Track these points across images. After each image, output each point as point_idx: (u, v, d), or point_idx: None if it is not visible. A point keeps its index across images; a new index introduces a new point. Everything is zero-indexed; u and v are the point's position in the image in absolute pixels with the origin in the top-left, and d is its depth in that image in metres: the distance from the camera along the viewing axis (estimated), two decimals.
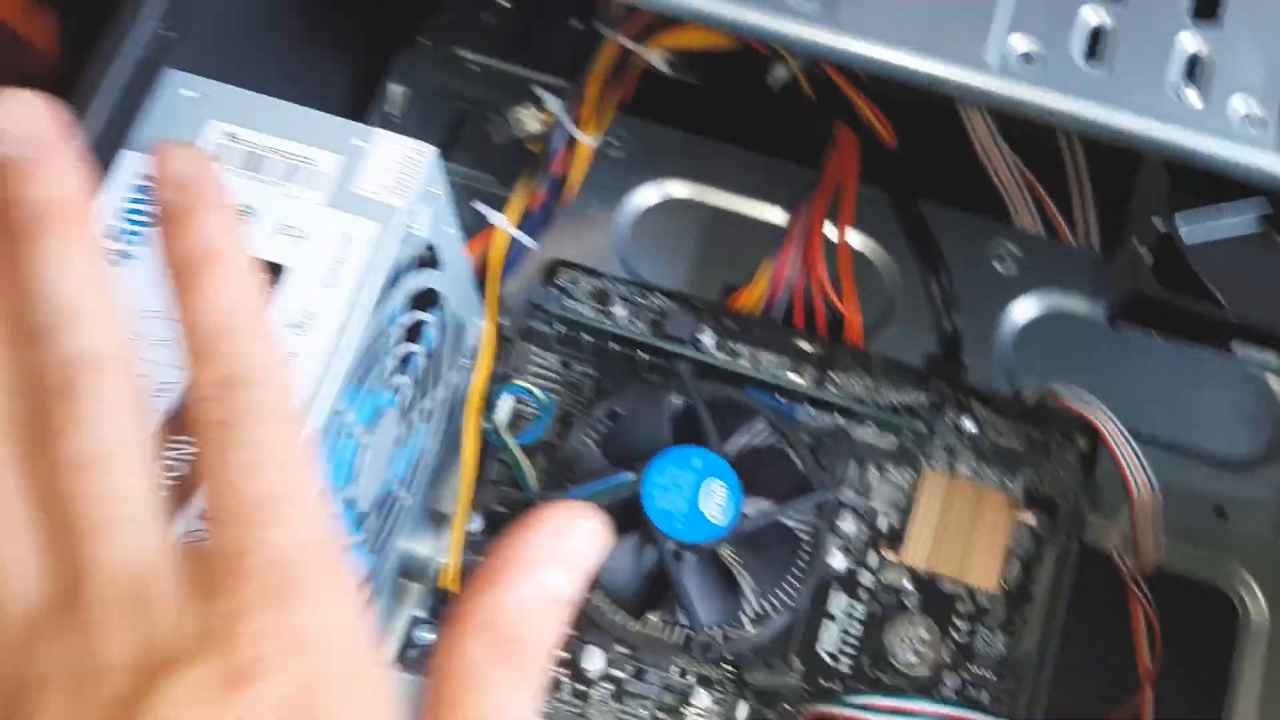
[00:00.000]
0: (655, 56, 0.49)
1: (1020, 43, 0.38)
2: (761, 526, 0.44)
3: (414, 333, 0.41)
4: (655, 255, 0.54)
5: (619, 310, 0.51)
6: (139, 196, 0.35)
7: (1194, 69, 0.38)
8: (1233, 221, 0.37)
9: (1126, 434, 0.46)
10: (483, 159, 0.54)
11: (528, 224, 0.50)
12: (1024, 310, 0.53)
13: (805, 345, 0.50)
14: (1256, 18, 0.38)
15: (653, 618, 0.45)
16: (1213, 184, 0.37)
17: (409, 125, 0.55)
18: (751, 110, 0.53)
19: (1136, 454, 0.46)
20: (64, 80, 0.54)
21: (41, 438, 0.22)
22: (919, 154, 0.53)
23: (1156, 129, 0.37)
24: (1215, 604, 0.51)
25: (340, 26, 0.53)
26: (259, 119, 0.37)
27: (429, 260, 0.40)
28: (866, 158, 0.51)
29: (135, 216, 0.35)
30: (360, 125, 0.37)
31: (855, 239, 0.53)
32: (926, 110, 0.53)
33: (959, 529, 0.48)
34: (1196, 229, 0.37)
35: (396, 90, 0.56)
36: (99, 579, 0.22)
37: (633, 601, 0.44)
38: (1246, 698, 0.49)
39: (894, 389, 0.49)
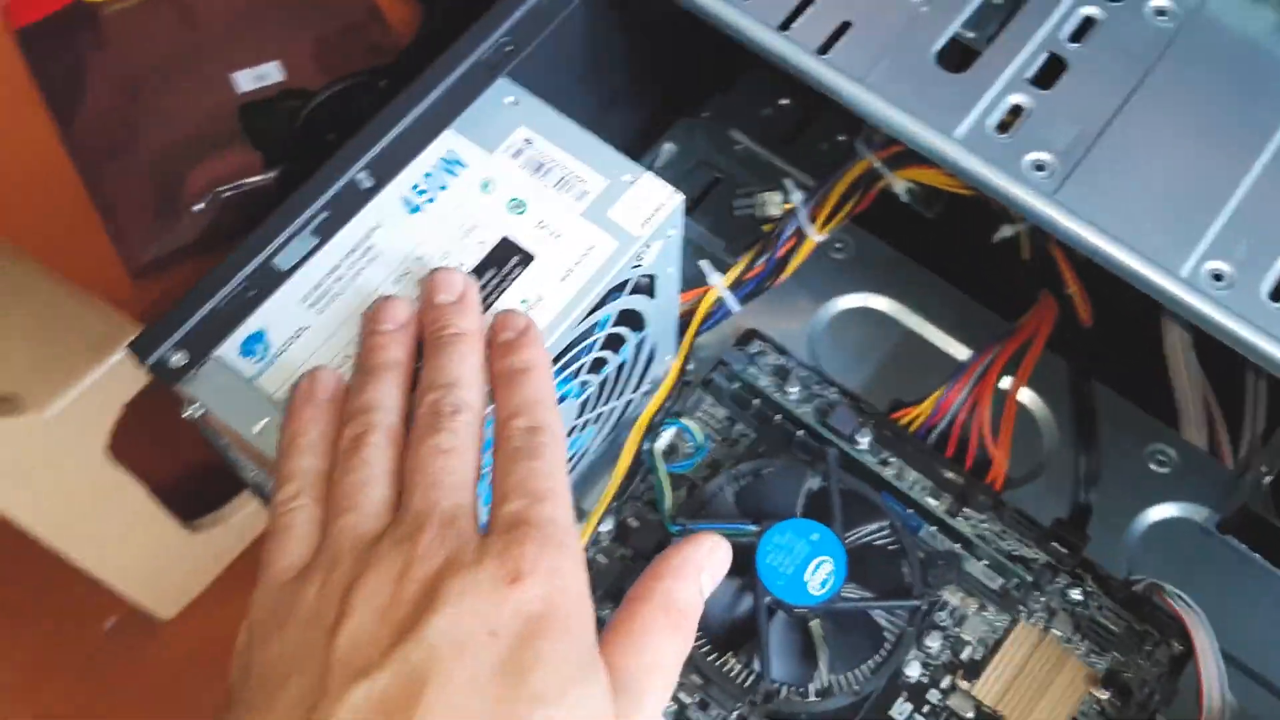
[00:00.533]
0: (899, 184, 0.55)
1: (1217, 263, 0.42)
2: (852, 611, 0.48)
3: (614, 345, 0.47)
4: (841, 353, 0.59)
5: (793, 389, 0.56)
6: (440, 168, 0.43)
7: None
8: None
9: (1218, 651, 0.48)
10: (718, 225, 0.61)
11: (738, 290, 0.56)
12: (1162, 511, 0.55)
13: (951, 475, 0.54)
14: None
15: (732, 659, 0.49)
16: None
17: (665, 179, 0.62)
18: (969, 253, 0.58)
19: (1221, 672, 0.48)
20: (403, 60, 0.64)
21: (416, 440, 0.35)
22: (1112, 339, 0.57)
23: None
24: None
25: (644, 85, 0.60)
26: (555, 134, 0.44)
27: (645, 288, 0.46)
28: (1060, 325, 0.55)
29: (432, 183, 0.43)
30: (632, 162, 0.44)
31: (1026, 395, 0.57)
32: (1131, 301, 0.56)
33: (1034, 683, 0.51)
34: None
35: (669, 148, 0.64)
36: (431, 515, 0.33)
37: (720, 638, 0.49)
38: None
39: (1018, 539, 0.53)
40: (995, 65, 0.45)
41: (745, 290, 0.56)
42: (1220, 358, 0.56)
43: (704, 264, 0.56)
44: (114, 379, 0.89)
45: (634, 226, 0.42)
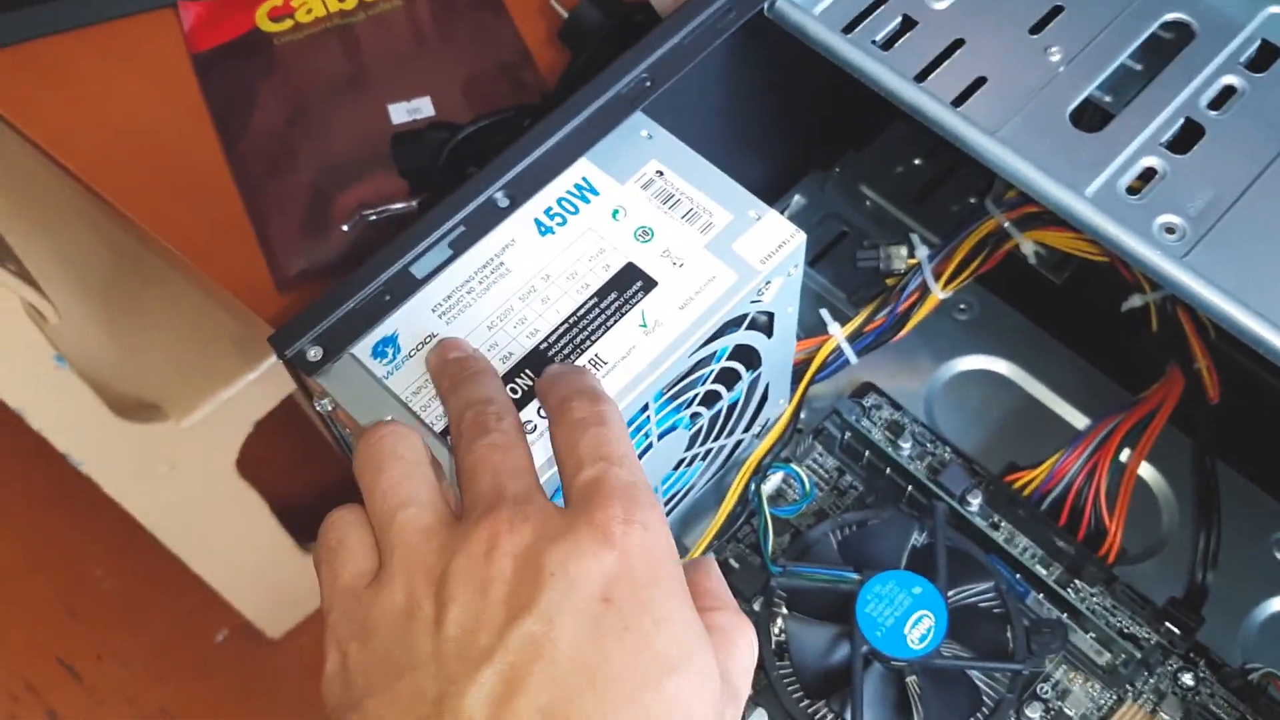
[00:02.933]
0: (1027, 245, 0.55)
1: None
2: (951, 669, 0.47)
3: (728, 380, 0.48)
4: (957, 414, 0.59)
5: (905, 445, 0.56)
6: (574, 193, 0.45)
7: None
8: None
9: None
10: (841, 277, 0.61)
11: (857, 342, 0.56)
12: None
13: (1063, 544, 0.53)
14: None
15: (824, 707, 0.49)
16: None
17: None
18: (1096, 322, 0.57)
19: None
20: (547, 101, 0.67)
21: (468, 441, 0.35)
22: (1243, 419, 0.55)
23: None
24: None
25: (781, 133, 0.61)
26: (686, 168, 0.45)
27: (763, 325, 0.47)
28: (1185, 401, 0.54)
29: (566, 207, 0.44)
30: (758, 200, 0.45)
31: (1147, 471, 0.56)
32: (1264, 381, 0.55)
33: None
34: None
35: (799, 199, 0.65)
36: (503, 495, 0.33)
37: (811, 684, 0.48)
38: None
39: (1129, 616, 0.51)
40: (1130, 128, 0.45)
41: (864, 342, 0.57)
42: None
43: (824, 312, 0.56)
44: (250, 395, 0.93)
45: (755, 261, 0.43)
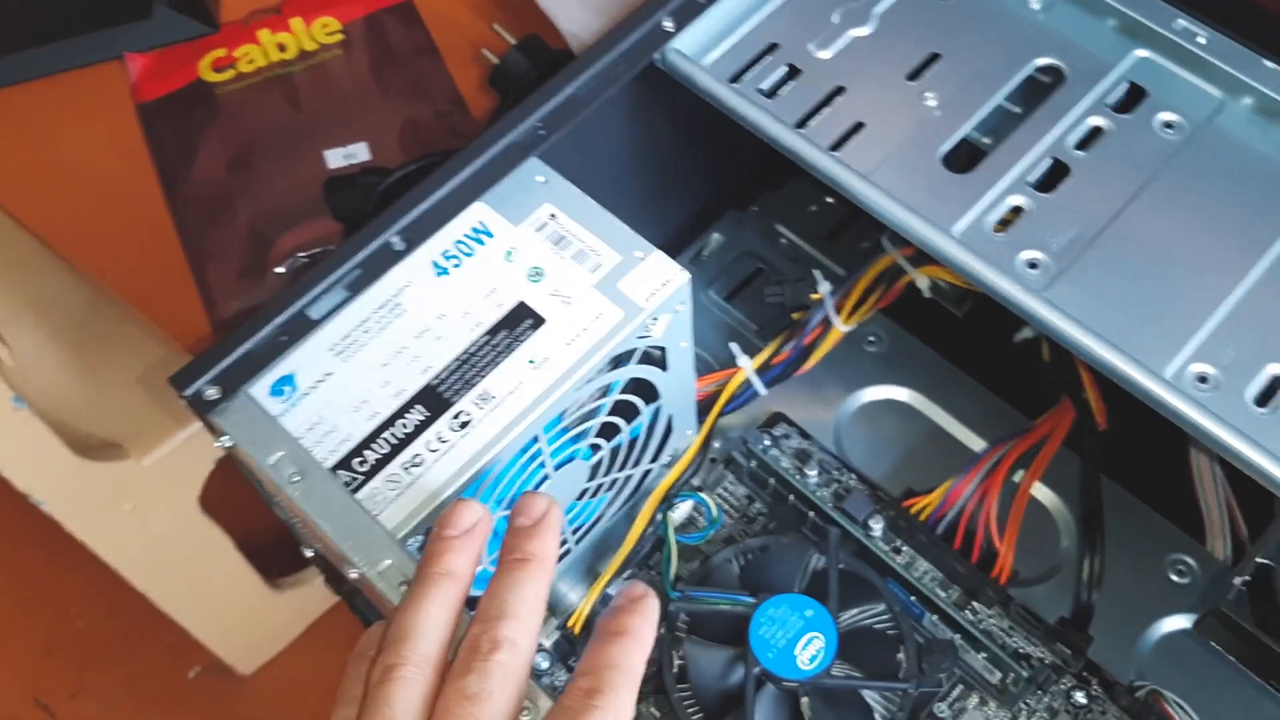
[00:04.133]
0: (922, 280, 0.57)
1: (1201, 366, 0.42)
2: (841, 689, 0.49)
3: (627, 413, 0.50)
4: (865, 443, 0.61)
5: (812, 473, 0.58)
6: (470, 236, 0.47)
7: None
8: None
9: None
10: (755, 312, 0.64)
11: (765, 374, 0.58)
12: (1177, 622, 0.55)
13: (961, 569, 0.54)
14: None
15: None
16: None
17: (711, 267, 0.66)
18: (996, 352, 0.59)
19: None
20: None
21: (449, 678, 0.35)
22: (1139, 446, 0.57)
23: None
24: None
25: (695, 177, 0.64)
26: (578, 212, 0.47)
27: (658, 360, 0.49)
28: (1078, 428, 0.56)
29: (462, 249, 0.47)
30: (645, 241, 0.47)
31: (1048, 496, 0.58)
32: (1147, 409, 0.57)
33: None
34: None
35: (717, 238, 0.67)
36: None
37: (710, 706, 0.50)
38: None
39: (1024, 637, 0.53)
40: (999, 168, 0.47)
41: (772, 374, 0.59)
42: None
43: (734, 346, 0.58)
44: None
45: (640, 299, 0.45)
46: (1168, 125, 0.48)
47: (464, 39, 0.75)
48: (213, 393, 0.43)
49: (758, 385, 0.58)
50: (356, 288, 0.45)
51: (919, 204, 0.46)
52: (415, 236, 0.46)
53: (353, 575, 0.40)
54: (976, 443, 0.59)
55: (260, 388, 0.44)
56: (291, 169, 0.71)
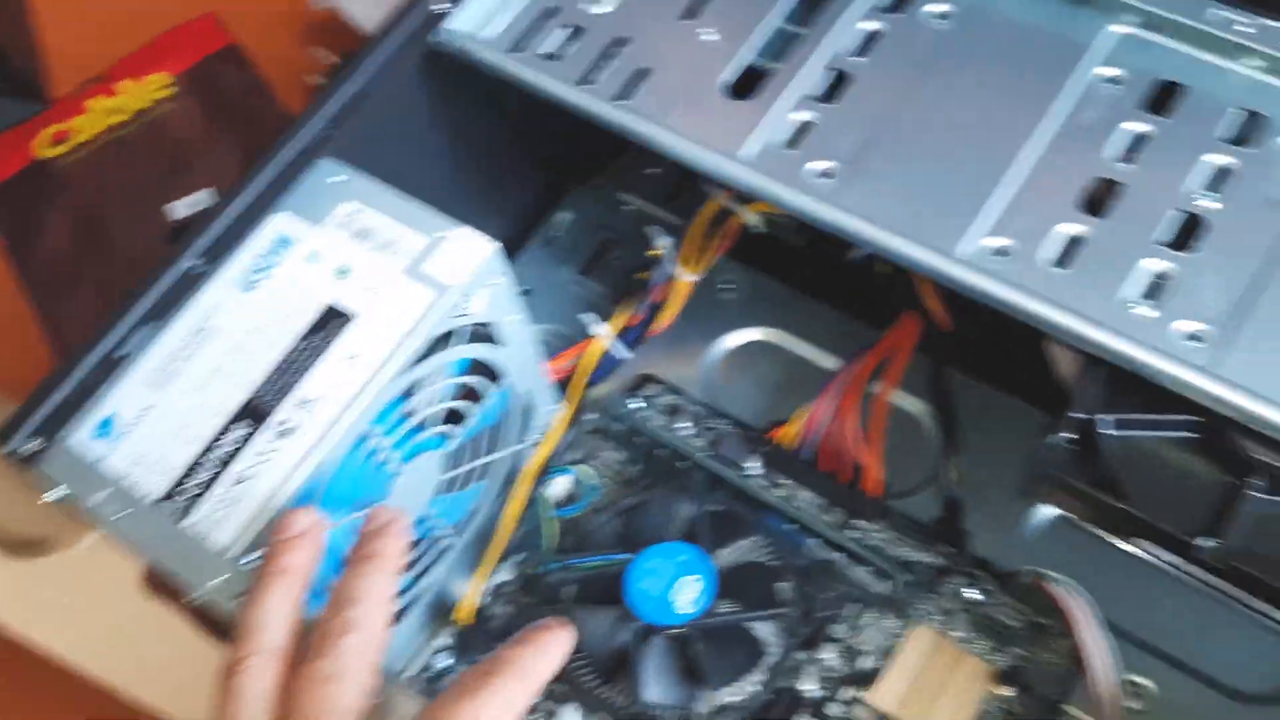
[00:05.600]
0: (751, 216, 0.57)
1: (997, 239, 0.43)
2: (725, 625, 0.49)
3: (472, 397, 0.50)
4: (736, 387, 0.61)
5: (686, 425, 0.58)
6: (272, 248, 0.47)
7: (1155, 287, 0.41)
8: (1158, 431, 0.40)
9: (1101, 630, 0.47)
10: (609, 281, 0.64)
11: (623, 338, 0.58)
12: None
13: (839, 490, 0.55)
14: (1226, 255, 0.41)
15: (611, 690, 0.50)
16: (1152, 394, 0.40)
17: (563, 245, 0.66)
18: (841, 275, 0.59)
19: (1107, 650, 0.47)
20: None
21: (298, 663, 0.36)
22: (997, 340, 0.57)
23: (1105, 336, 0.40)
24: None
25: (528, 160, 0.64)
26: (379, 203, 0.47)
27: (488, 337, 0.49)
28: (929, 333, 0.56)
29: (265, 263, 0.47)
30: (450, 220, 0.47)
31: (914, 405, 0.58)
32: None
33: (932, 686, 0.51)
34: (1122, 431, 0.40)
35: (565, 217, 0.67)
36: None
37: (604, 668, 0.50)
38: None
39: (909, 546, 0.53)
40: (781, 87, 0.47)
41: (630, 338, 0.59)
42: None
43: (585, 317, 0.58)
44: None
45: (448, 277, 0.46)
46: (940, 16, 0.49)
47: (291, 70, 0.75)
48: (33, 445, 0.43)
49: (620, 350, 0.59)
50: (165, 318, 0.45)
51: (706, 135, 0.46)
52: (217, 258, 0.46)
53: (194, 599, 0.40)
54: (838, 365, 0.60)
55: (82, 433, 0.43)
56: (138, 228, 0.71)
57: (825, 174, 0.46)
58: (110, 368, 0.44)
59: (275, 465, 0.42)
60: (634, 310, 0.59)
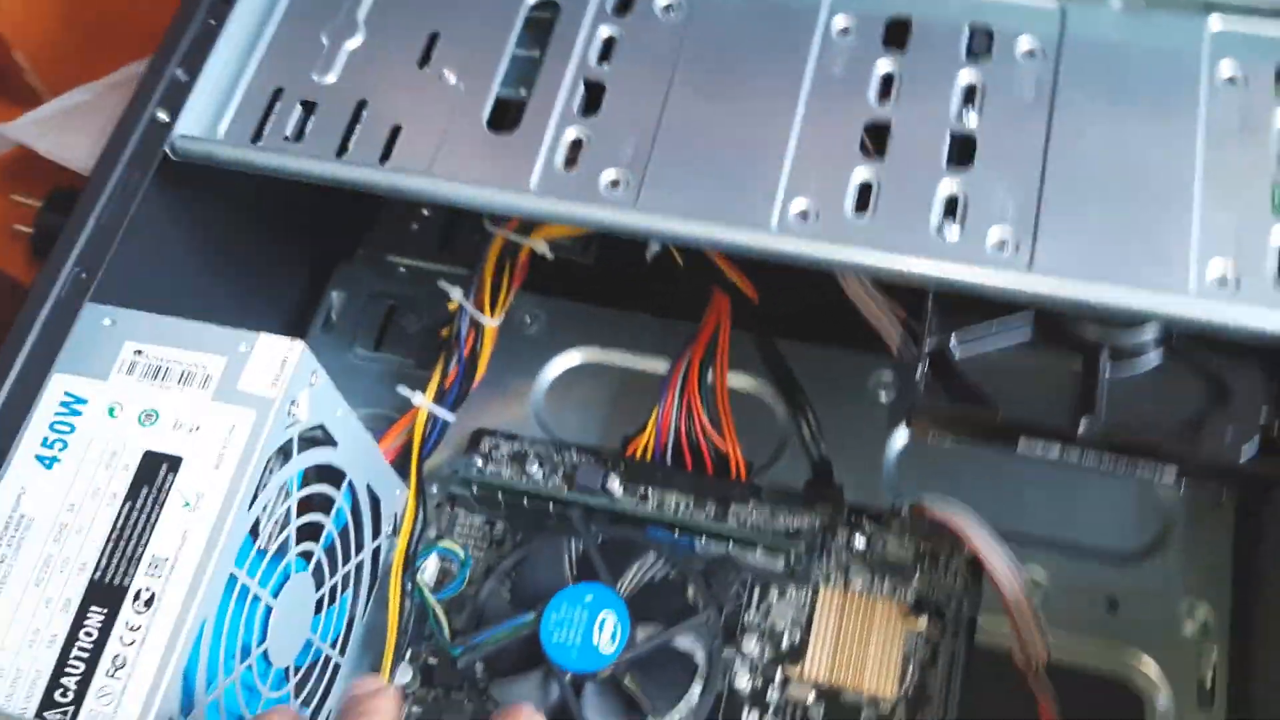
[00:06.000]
0: (539, 245, 0.56)
1: (798, 204, 0.44)
2: (652, 650, 0.48)
3: (323, 506, 0.47)
4: (571, 415, 0.60)
5: (535, 469, 0.56)
6: (63, 413, 0.42)
7: (952, 208, 0.43)
8: (1002, 336, 0.42)
9: (993, 536, 0.49)
10: (406, 348, 0.61)
11: (443, 400, 0.56)
12: (904, 435, 0.57)
13: (705, 484, 0.55)
14: (1003, 162, 0.43)
15: None
16: (985, 305, 0.42)
17: (345, 325, 0.63)
18: (641, 279, 0.59)
19: (1004, 553, 0.49)
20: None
21: None
22: (800, 299, 0.59)
23: (922, 264, 0.42)
24: (1120, 696, 0.52)
25: (289, 248, 0.61)
26: (162, 335, 0.44)
27: (324, 440, 0.46)
28: (746, 310, 0.57)
29: (60, 430, 0.42)
30: (245, 332, 0.44)
31: (747, 382, 0.59)
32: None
33: (855, 640, 0.52)
34: (969, 345, 0.42)
35: (339, 296, 0.64)
36: None
37: None
38: None
39: (788, 515, 0.54)
40: (542, 112, 0.47)
41: (451, 398, 0.57)
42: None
43: (401, 388, 0.56)
44: None
45: (265, 389, 0.42)
46: (666, 8, 0.49)
47: None
48: None
49: (443, 414, 0.56)
50: None
51: (485, 176, 0.45)
52: (3, 440, 0.41)
53: None
54: (663, 366, 0.60)
55: None
56: None
57: (614, 183, 0.45)
58: None
59: (151, 641, 0.38)
60: (445, 370, 0.57)
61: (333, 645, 0.50)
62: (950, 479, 0.54)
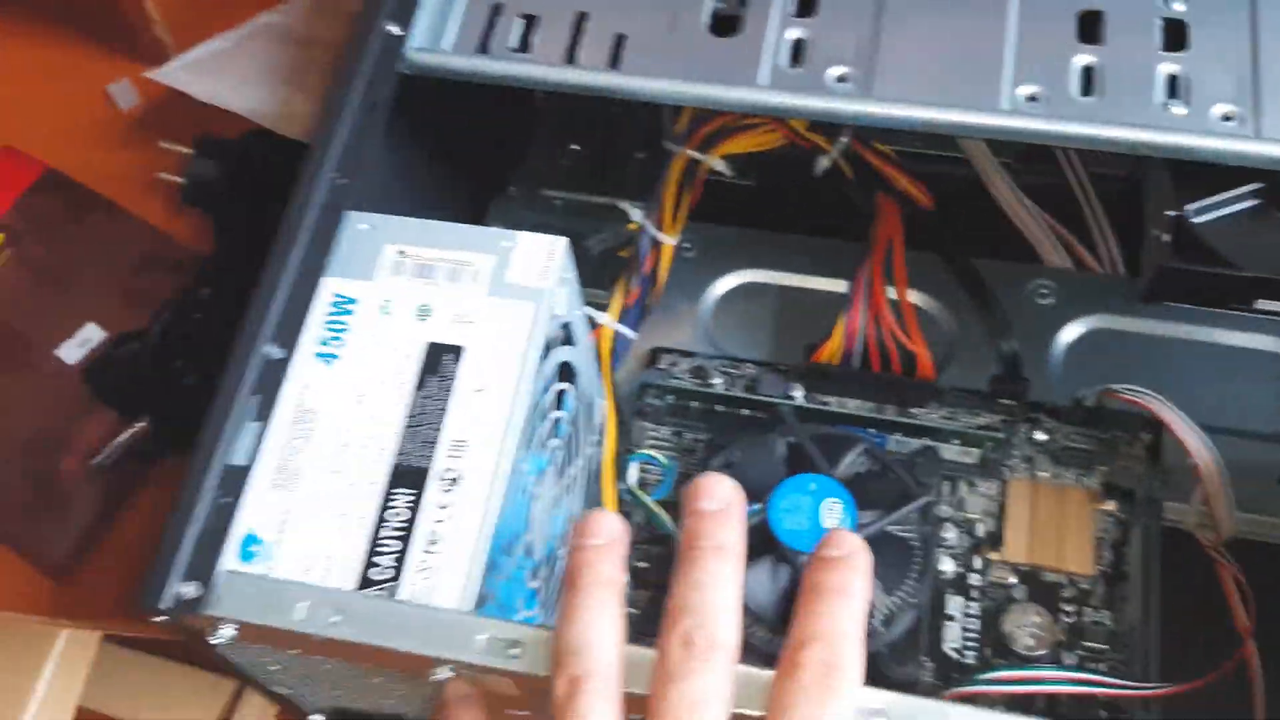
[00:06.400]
0: (718, 163, 0.58)
1: (1025, 89, 0.46)
2: (876, 534, 0.50)
3: (560, 405, 0.48)
4: (739, 334, 0.62)
5: (717, 382, 0.58)
6: (335, 314, 0.43)
7: (1174, 86, 0.46)
8: (1234, 202, 0.45)
9: (1185, 416, 0.52)
10: (581, 276, 0.62)
11: (626, 319, 0.58)
12: (1068, 334, 0.60)
13: (884, 385, 0.57)
14: (1217, 41, 0.46)
15: None
16: (1211, 176, 0.45)
17: None
18: (803, 200, 0.61)
19: (1199, 432, 0.52)
20: (213, 263, 0.64)
21: (667, 679, 0.32)
22: (953, 219, 0.61)
23: (1153, 136, 0.44)
24: None
25: (446, 183, 0.62)
26: (422, 237, 0.45)
27: (566, 339, 0.47)
28: (910, 226, 0.59)
29: (335, 329, 0.43)
30: (505, 230, 0.45)
31: (912, 296, 0.61)
32: (954, 182, 0.61)
33: (1050, 525, 0.54)
34: (1205, 212, 0.44)
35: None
36: None
37: (775, 618, 0.50)
38: None
39: (969, 412, 0.56)
40: (760, 14, 0.48)
41: (634, 316, 0.58)
42: (1043, 187, 0.62)
43: (586, 310, 0.57)
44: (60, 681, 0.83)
45: (537, 282, 0.44)
46: None
47: (128, 175, 0.68)
48: (190, 590, 0.38)
49: (627, 332, 0.58)
50: (262, 414, 0.41)
51: (721, 76, 0.47)
52: (287, 339, 0.42)
53: (445, 676, 0.37)
54: (832, 285, 0.61)
55: (231, 559, 0.39)
56: (28, 389, 0.62)
57: (841, 79, 0.47)
58: (227, 483, 0.40)
59: (462, 517, 0.40)
60: (628, 288, 0.58)
61: (562, 543, 0.51)
62: (1113, 375, 0.57)
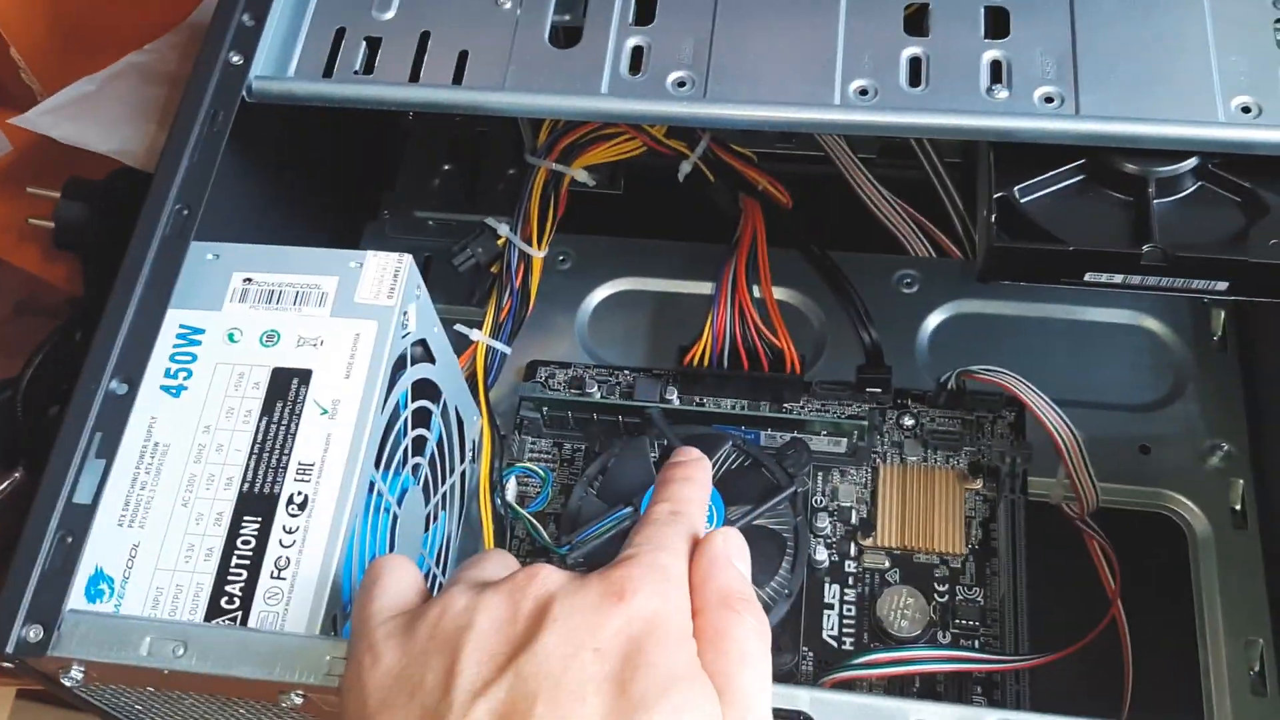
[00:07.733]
0: (580, 174, 0.59)
1: (856, 83, 0.47)
2: (745, 529, 0.51)
3: (423, 421, 0.48)
4: (615, 342, 0.62)
5: (594, 391, 0.59)
6: (182, 344, 0.43)
7: (998, 72, 0.47)
8: (1057, 180, 0.46)
9: (1042, 395, 0.53)
10: (453, 294, 0.63)
11: (500, 334, 0.58)
12: (933, 321, 0.61)
13: (755, 383, 0.58)
14: (1038, 26, 0.48)
15: None
16: (1038, 156, 0.46)
17: None
18: (669, 205, 0.62)
19: (1055, 410, 0.53)
20: (82, 305, 0.64)
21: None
22: (819, 216, 0.63)
23: (977, 121, 0.46)
24: (1161, 531, 0.57)
25: (314, 209, 0.62)
26: (270, 264, 0.45)
27: (423, 356, 0.48)
28: (774, 225, 0.60)
29: (181, 360, 0.43)
30: (351, 251, 0.45)
31: (779, 293, 0.62)
32: (817, 180, 0.63)
33: (920, 508, 0.55)
34: (1030, 191, 0.46)
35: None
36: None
37: None
38: (1210, 600, 0.54)
39: (837, 404, 0.57)
40: (600, 25, 0.49)
41: (506, 331, 0.59)
42: (903, 179, 0.63)
43: (459, 327, 0.58)
44: None
45: (383, 300, 0.44)
46: None
47: (1, 224, 0.68)
48: (34, 633, 0.37)
49: (500, 346, 0.58)
50: (107, 452, 0.41)
51: (560, 86, 0.48)
52: (132, 374, 0.42)
53: (297, 701, 0.37)
54: (702, 287, 0.62)
55: (78, 599, 0.38)
56: None
57: (680, 83, 0.48)
58: (71, 523, 0.39)
59: (310, 540, 0.40)
60: (499, 304, 0.59)
61: (436, 564, 0.51)
62: (978, 358, 0.58)
